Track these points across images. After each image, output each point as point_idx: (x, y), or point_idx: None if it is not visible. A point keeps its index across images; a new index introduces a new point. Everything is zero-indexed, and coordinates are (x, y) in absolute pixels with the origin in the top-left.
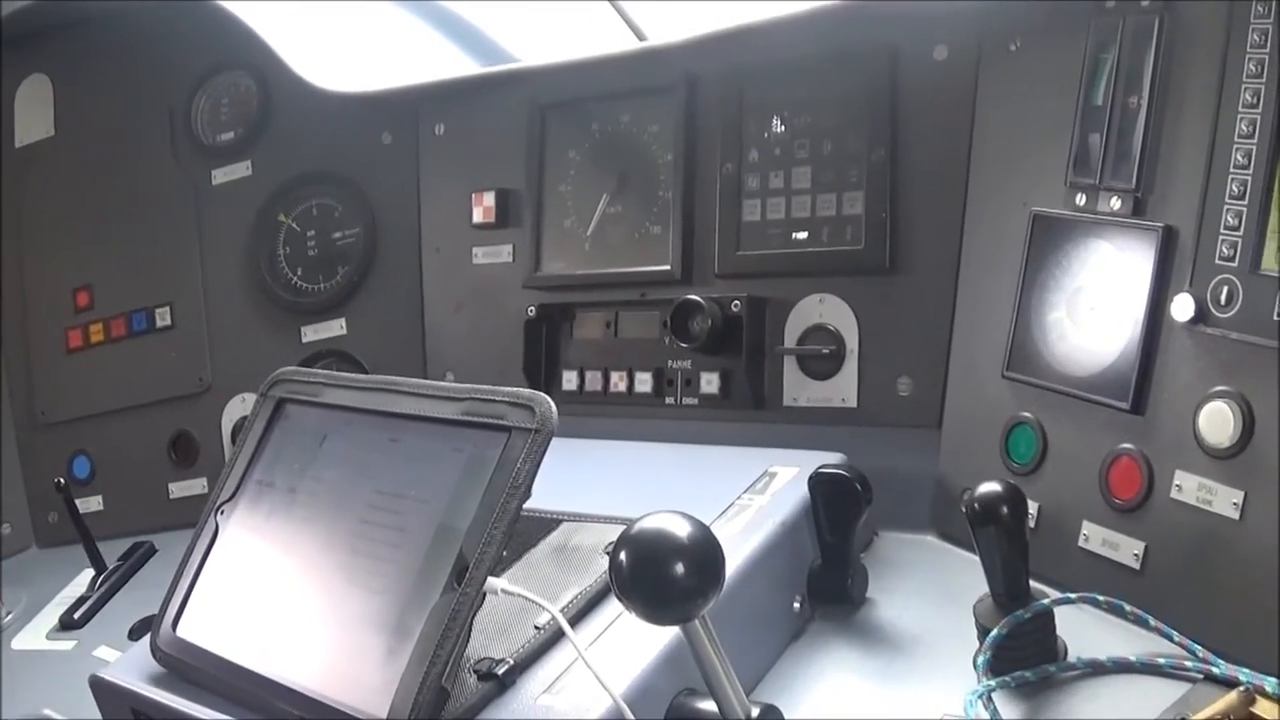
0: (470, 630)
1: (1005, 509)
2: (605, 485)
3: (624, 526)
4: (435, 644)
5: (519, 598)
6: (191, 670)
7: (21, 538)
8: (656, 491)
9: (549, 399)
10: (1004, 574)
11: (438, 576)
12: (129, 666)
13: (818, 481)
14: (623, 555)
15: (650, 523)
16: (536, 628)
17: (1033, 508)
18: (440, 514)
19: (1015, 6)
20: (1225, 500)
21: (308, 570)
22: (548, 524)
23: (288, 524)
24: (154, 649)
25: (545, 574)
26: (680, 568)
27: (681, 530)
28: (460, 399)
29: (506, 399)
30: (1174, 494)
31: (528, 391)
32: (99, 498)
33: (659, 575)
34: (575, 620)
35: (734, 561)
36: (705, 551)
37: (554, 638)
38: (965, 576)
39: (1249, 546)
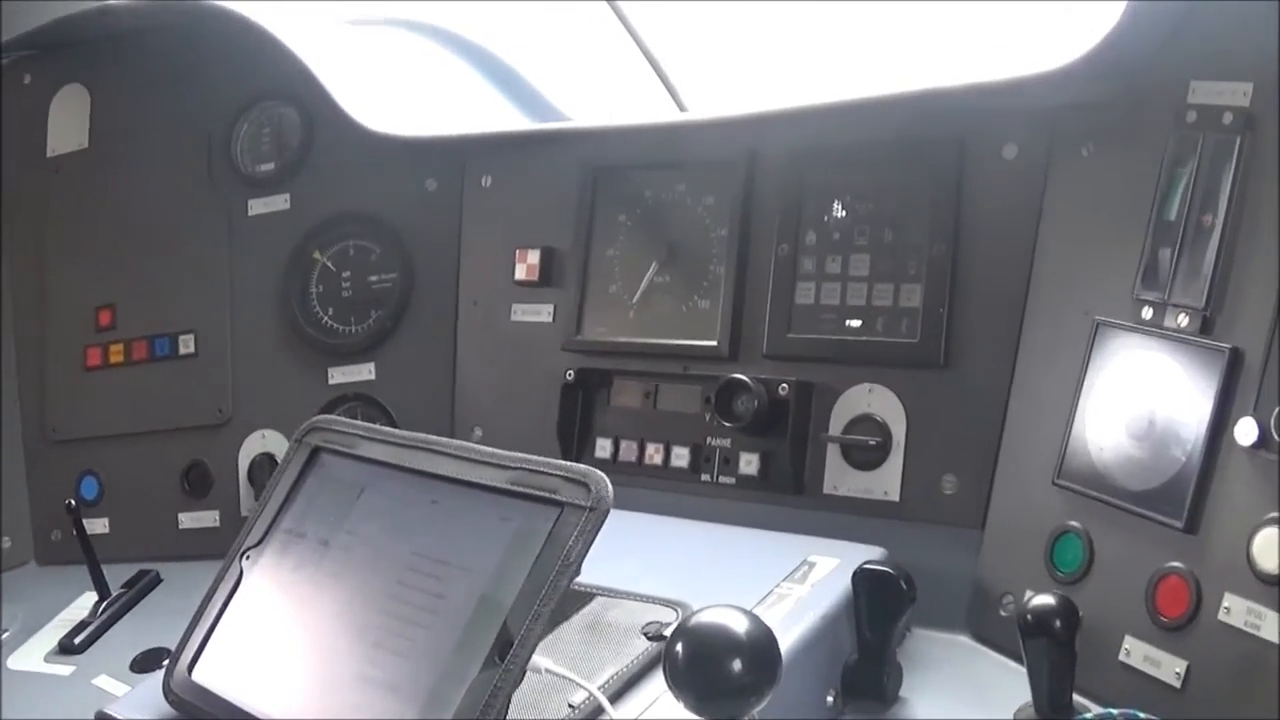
0: (508, 708)
1: (1058, 622)
2: (641, 560)
3: (662, 606)
4: None
5: (556, 676)
6: (204, 716)
7: (20, 552)
8: (693, 572)
9: (605, 477)
10: (1049, 686)
11: (478, 649)
12: (138, 705)
13: (862, 577)
14: (679, 645)
15: (710, 615)
16: (571, 706)
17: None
18: (483, 584)
19: (1090, 112)
20: (1273, 626)
21: (336, 627)
22: (582, 597)
23: (317, 577)
24: (166, 690)
25: (579, 651)
26: (738, 664)
27: (741, 626)
28: (509, 467)
29: (560, 473)
30: (1222, 615)
31: (582, 467)
32: (105, 520)
33: (716, 670)
34: (611, 701)
35: None
36: (764, 650)
37: (589, 718)
38: (1000, 680)
39: None
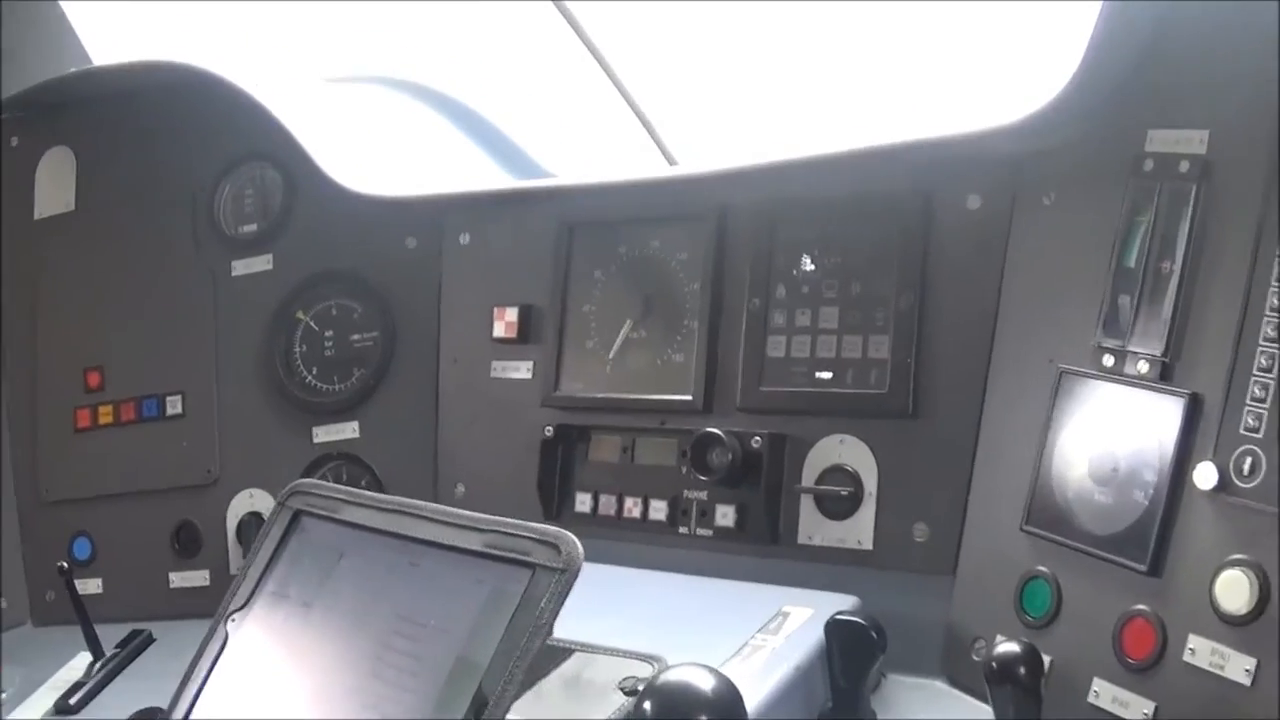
0: None
1: (1023, 669)
2: (619, 615)
3: (639, 661)
4: None
5: None
6: None
7: (17, 613)
8: (670, 625)
9: (575, 539)
10: None
11: (455, 709)
12: None
13: (834, 628)
14: (647, 705)
15: (676, 675)
16: None
17: (1044, 661)
18: (460, 645)
19: (1050, 161)
20: (1238, 666)
21: (321, 689)
22: (559, 654)
23: (301, 640)
24: None
25: (558, 707)
26: None
27: (706, 685)
28: (484, 530)
29: (532, 535)
30: (1187, 657)
31: (554, 529)
32: (99, 580)
33: None
34: None
35: (748, 704)
36: (731, 708)
37: None
38: None
39: (1259, 713)
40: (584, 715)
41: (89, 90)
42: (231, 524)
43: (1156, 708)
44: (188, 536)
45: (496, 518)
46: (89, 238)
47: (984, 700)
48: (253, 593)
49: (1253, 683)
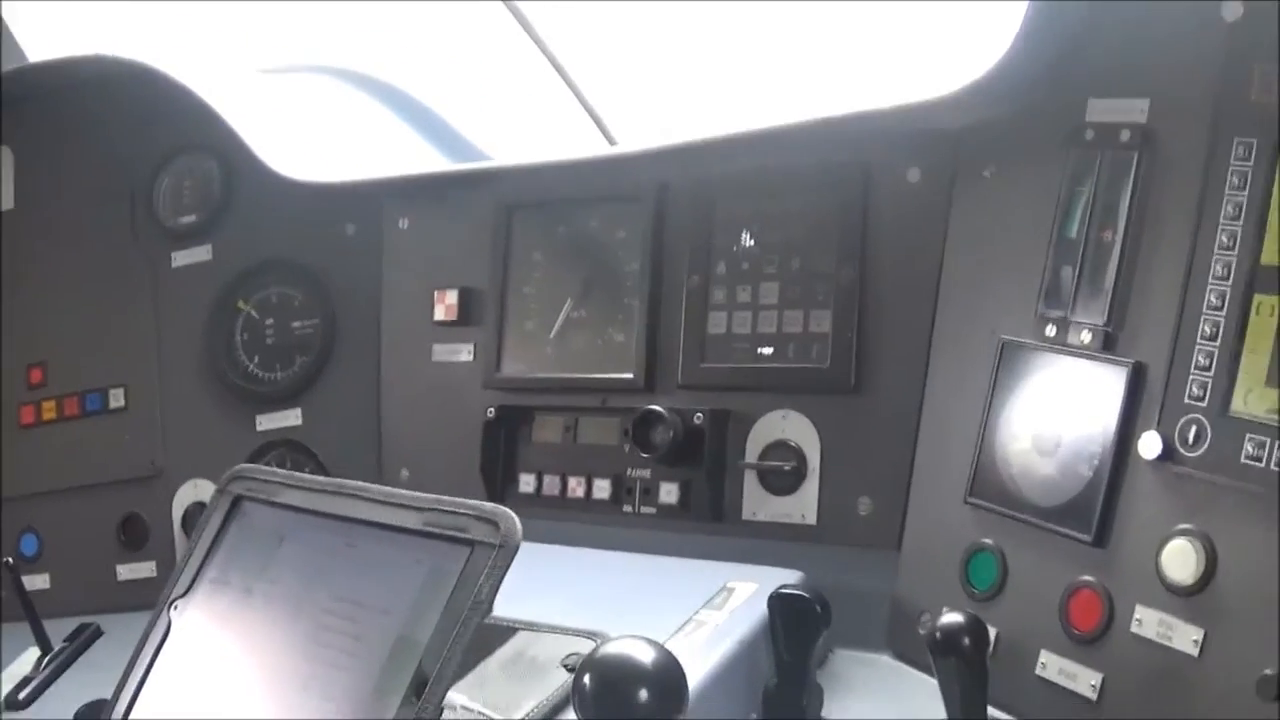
0: None
1: (967, 640)
2: (562, 593)
3: (582, 639)
4: None
5: (478, 715)
6: None
7: None
8: (613, 602)
9: (513, 515)
10: (963, 704)
11: (396, 689)
12: None
13: (777, 601)
14: (587, 679)
15: (615, 647)
16: None
17: (991, 634)
18: (399, 625)
19: (990, 133)
20: (1185, 637)
21: (262, 674)
22: (503, 632)
23: (243, 625)
24: None
25: (500, 686)
26: (644, 695)
27: (646, 657)
28: (422, 509)
29: (470, 512)
30: (1134, 628)
31: (491, 506)
32: (46, 576)
33: (623, 702)
34: None
35: (691, 680)
36: (670, 680)
37: None
38: (921, 698)
39: (1207, 684)
40: (527, 693)
41: (24, 88)
42: (177, 515)
43: (1104, 679)
44: (134, 529)
45: (434, 496)
46: (28, 235)
47: (931, 674)
48: (194, 580)
49: (1200, 653)
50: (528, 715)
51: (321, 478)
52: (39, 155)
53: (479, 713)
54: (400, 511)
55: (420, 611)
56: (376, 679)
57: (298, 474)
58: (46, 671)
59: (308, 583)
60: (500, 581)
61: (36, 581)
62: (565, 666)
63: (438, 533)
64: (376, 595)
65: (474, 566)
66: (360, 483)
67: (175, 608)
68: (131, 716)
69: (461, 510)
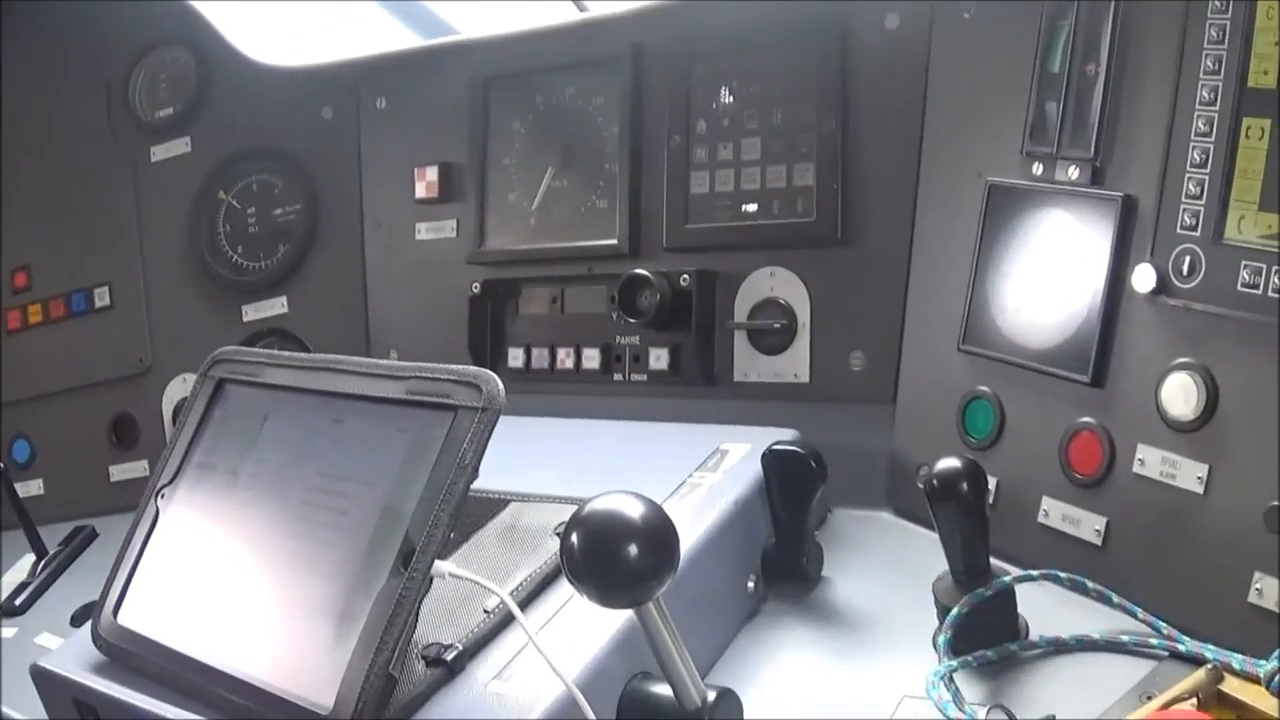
0: (418, 615)
1: (965, 485)
2: (553, 464)
3: (574, 506)
4: (382, 630)
5: (468, 581)
6: (134, 659)
7: None
8: (606, 470)
9: (495, 377)
10: (964, 552)
11: (384, 560)
12: (70, 655)
13: (771, 458)
14: (574, 537)
15: (602, 504)
16: (486, 611)
17: (991, 483)
18: (385, 496)
19: None
20: (1189, 474)
21: (251, 555)
22: (495, 505)
23: (230, 508)
24: (95, 637)
25: (494, 556)
26: (633, 549)
27: (634, 511)
28: (404, 378)
29: (452, 377)
30: (1136, 468)
31: (473, 369)
32: (39, 481)
33: (611, 557)
34: (526, 604)
35: (687, 541)
36: (659, 533)
37: (504, 622)
38: (922, 554)
39: (1214, 521)
40: (520, 562)
41: None
42: (168, 411)
43: (1108, 523)
44: (125, 428)
45: (417, 364)
46: (5, 137)
47: (931, 528)
48: (180, 467)
49: (1206, 490)
50: (523, 582)
51: (303, 354)
52: (12, 56)
53: (471, 580)
54: (382, 382)
55: (406, 481)
56: (364, 551)
57: (278, 353)
58: (42, 576)
59: (293, 460)
60: (485, 444)
61: (30, 488)
62: (557, 534)
63: (420, 400)
64: (362, 468)
65: (458, 431)
66: (342, 356)
67: (162, 496)
68: (123, 606)
69: (443, 376)
